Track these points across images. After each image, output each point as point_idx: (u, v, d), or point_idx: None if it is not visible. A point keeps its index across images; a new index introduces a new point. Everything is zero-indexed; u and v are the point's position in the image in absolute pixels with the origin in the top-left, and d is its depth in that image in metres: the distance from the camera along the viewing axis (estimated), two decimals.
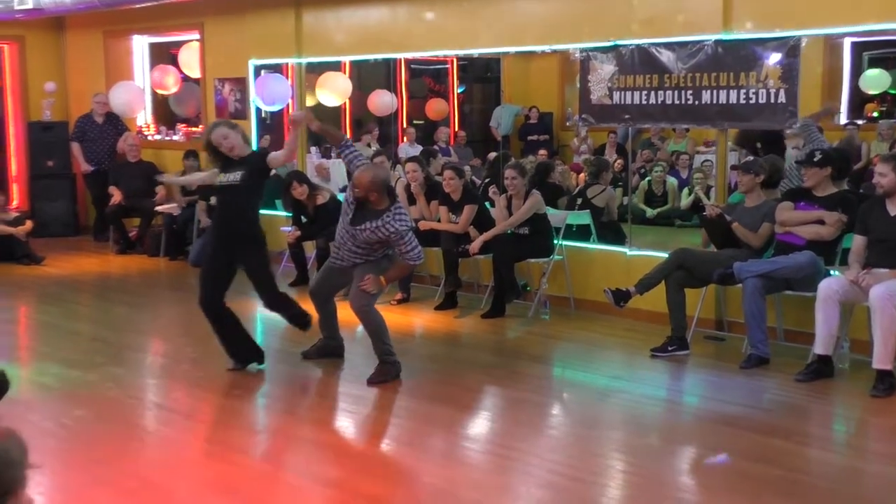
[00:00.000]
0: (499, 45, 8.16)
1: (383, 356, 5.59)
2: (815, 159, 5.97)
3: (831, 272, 5.81)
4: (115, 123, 10.97)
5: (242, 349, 5.84)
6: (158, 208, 10.11)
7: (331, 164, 10.09)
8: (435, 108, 12.05)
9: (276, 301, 5.91)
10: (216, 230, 5.94)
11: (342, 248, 5.65)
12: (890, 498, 4.06)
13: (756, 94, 6.40)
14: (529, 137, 11.80)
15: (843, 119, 10.18)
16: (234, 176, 5.61)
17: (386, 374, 5.56)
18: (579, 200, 8.20)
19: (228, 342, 5.81)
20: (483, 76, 12.62)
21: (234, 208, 5.68)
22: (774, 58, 6.31)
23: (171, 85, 10.55)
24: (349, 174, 6.21)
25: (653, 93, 6.89)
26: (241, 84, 9.88)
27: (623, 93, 7.04)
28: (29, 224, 9.87)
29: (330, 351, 6.05)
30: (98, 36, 11.38)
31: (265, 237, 5.85)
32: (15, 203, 11.38)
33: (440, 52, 9.50)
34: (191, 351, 6.44)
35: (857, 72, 10.39)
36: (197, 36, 10.33)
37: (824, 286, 5.55)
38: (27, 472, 2.24)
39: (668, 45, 6.80)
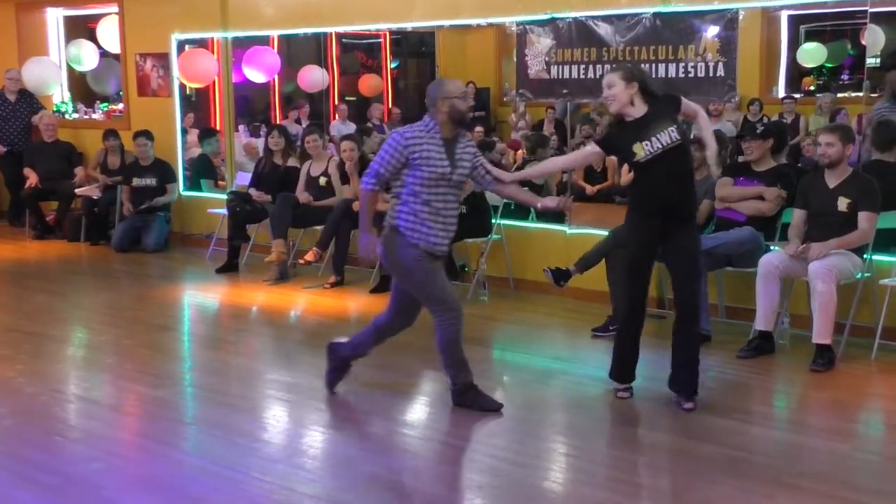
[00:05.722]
0: (433, 19, 7.98)
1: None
2: (758, 131, 5.98)
3: (771, 247, 5.80)
4: (30, 101, 10.49)
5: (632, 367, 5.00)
6: (78, 191, 9.69)
7: (259, 142, 9.80)
8: (368, 84, 11.82)
9: (697, 295, 4.77)
10: (647, 206, 4.69)
11: (448, 222, 4.60)
12: (829, 472, 4.07)
13: (695, 67, 6.36)
14: None
15: (781, 92, 10.29)
16: (670, 136, 4.51)
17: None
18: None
19: (630, 358, 4.95)
20: (417, 51, 12.41)
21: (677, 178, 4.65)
22: (712, 31, 6.27)
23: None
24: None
25: (591, 66, 6.79)
26: (163, 60, 9.51)
27: (561, 67, 6.94)
28: None
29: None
30: (9, 8, 10.88)
31: None
32: None
33: (373, 26, 9.30)
34: (115, 340, 6.22)
35: (794, 45, 10.50)
36: (115, 9, 9.92)
37: (764, 262, 5.54)
38: None
39: (605, 18, 6.72)
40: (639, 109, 4.58)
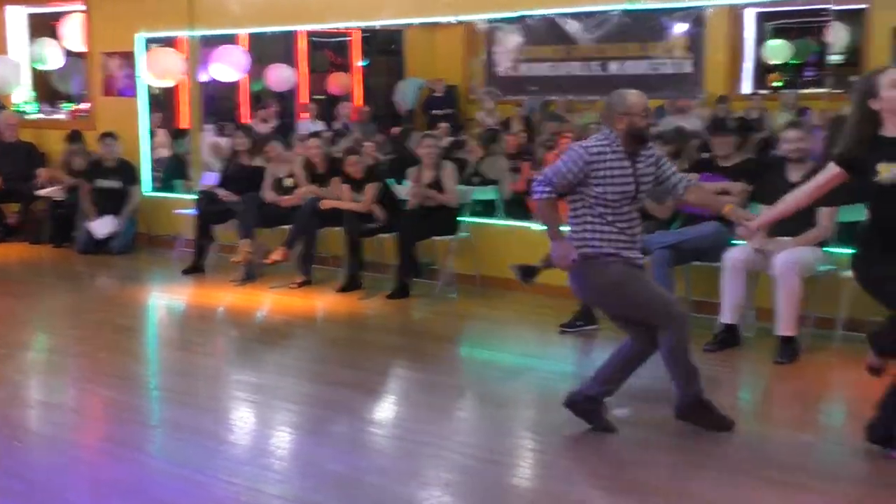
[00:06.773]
0: (402, 17, 7.96)
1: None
2: (727, 126, 6.03)
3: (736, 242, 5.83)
4: None
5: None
6: (40, 192, 9.53)
7: (225, 141, 9.71)
8: (337, 82, 11.75)
9: None
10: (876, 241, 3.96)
11: (635, 239, 4.32)
12: (795, 462, 4.09)
13: (663, 64, 6.38)
14: (434, 111, 11.59)
15: (748, 89, 10.37)
16: None
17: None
18: (476, 179, 8.04)
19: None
20: (386, 49, 12.34)
21: None
22: (680, 28, 6.31)
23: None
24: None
25: (560, 64, 6.80)
26: (129, 59, 9.40)
27: (530, 64, 6.93)
28: None
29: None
30: None
31: None
32: None
33: (342, 24, 9.24)
34: (79, 343, 6.14)
35: (760, 42, 10.59)
36: (81, 6, 9.78)
37: (730, 256, 5.58)
38: None
39: (574, 16, 6.72)
40: None
